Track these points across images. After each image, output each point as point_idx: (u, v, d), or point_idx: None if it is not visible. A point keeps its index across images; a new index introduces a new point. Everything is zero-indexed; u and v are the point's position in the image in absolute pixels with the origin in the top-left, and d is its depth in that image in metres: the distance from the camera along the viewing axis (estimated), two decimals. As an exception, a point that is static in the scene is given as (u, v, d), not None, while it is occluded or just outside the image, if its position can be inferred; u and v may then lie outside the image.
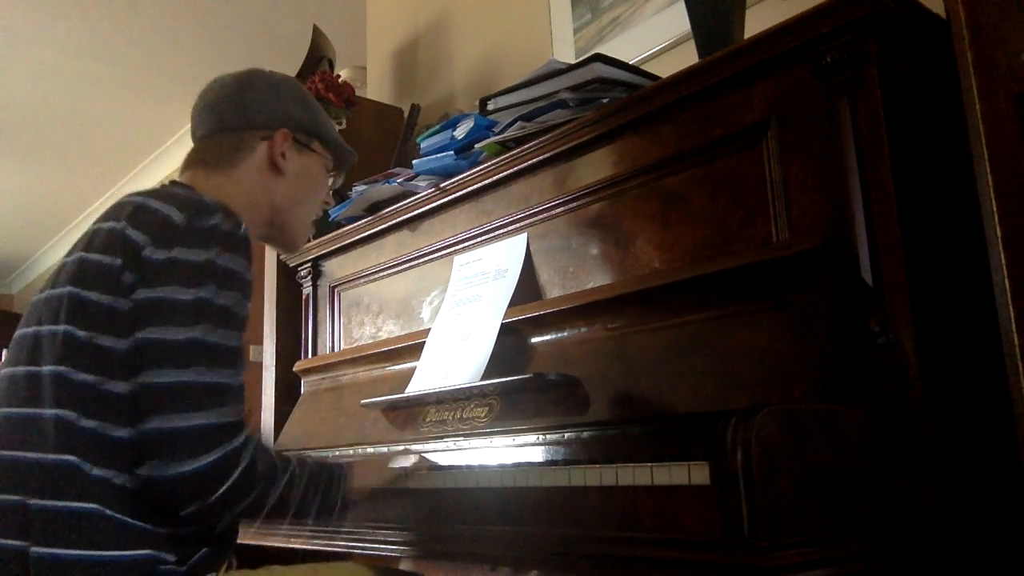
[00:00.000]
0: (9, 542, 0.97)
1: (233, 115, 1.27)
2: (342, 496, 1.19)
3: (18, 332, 1.12)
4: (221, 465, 0.99)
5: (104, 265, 1.05)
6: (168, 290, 1.02)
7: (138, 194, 1.15)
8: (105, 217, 1.14)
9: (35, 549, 0.96)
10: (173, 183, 1.22)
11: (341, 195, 2.23)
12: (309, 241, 2.24)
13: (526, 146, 1.62)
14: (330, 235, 2.15)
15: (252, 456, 1.03)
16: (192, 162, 1.27)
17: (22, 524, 0.97)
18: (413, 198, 1.89)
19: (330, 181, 1.40)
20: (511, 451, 1.42)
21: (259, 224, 1.29)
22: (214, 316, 1.03)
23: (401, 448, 1.66)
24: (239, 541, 1.42)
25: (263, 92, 1.29)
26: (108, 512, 0.98)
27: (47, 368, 1.03)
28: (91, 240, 1.11)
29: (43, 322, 1.08)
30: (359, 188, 2.07)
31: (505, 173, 1.68)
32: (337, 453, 1.84)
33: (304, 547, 1.56)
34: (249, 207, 1.23)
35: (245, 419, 1.05)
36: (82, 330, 1.03)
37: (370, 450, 1.76)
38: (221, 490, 0.99)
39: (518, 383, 1.43)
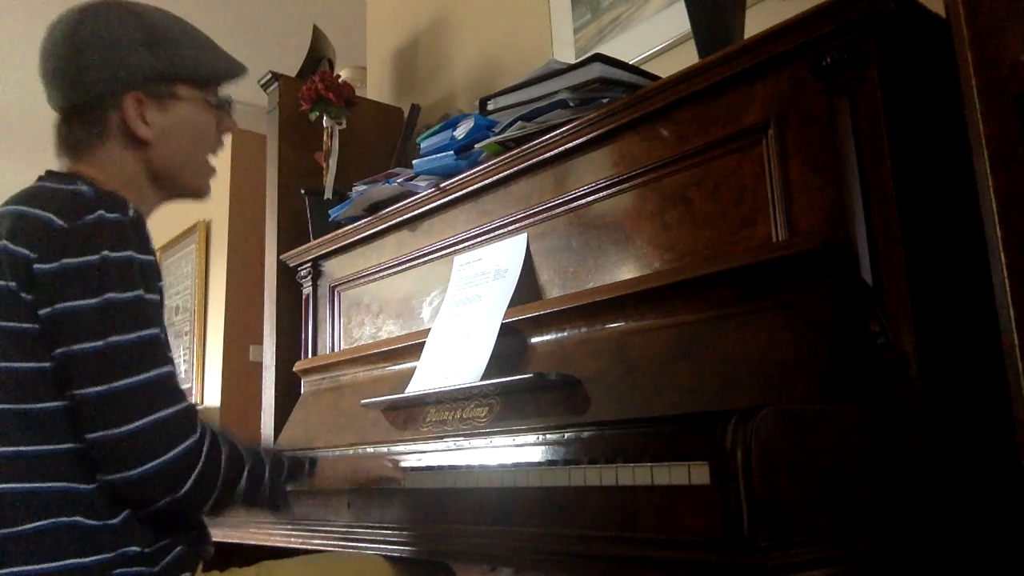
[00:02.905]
0: None
1: (73, 90, 1.11)
2: (298, 479, 1.17)
3: None
4: (180, 462, 0.97)
5: None
6: (71, 302, 0.97)
7: (12, 201, 1.07)
8: None
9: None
10: (50, 174, 1.12)
11: (341, 195, 2.23)
12: (310, 241, 2.24)
13: (526, 146, 1.62)
14: (330, 235, 2.15)
15: (213, 444, 1.02)
16: (59, 148, 1.15)
17: None
18: (413, 198, 1.89)
19: (217, 107, 1.21)
20: (511, 451, 1.42)
21: (149, 194, 1.17)
22: (125, 314, 0.99)
23: (385, 450, 1.66)
24: (238, 541, 1.42)
25: (96, 52, 1.10)
26: (63, 520, 0.96)
27: None
28: None
29: None
30: (359, 188, 2.07)
31: (505, 173, 1.68)
32: (337, 453, 1.84)
33: (303, 546, 1.56)
34: (129, 183, 1.12)
35: (192, 412, 1.02)
36: None
37: (370, 450, 1.76)
38: (188, 483, 0.98)
39: (518, 383, 1.43)
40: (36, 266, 0.98)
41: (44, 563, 0.94)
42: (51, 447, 0.98)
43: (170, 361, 1.02)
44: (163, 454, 0.96)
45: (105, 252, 0.98)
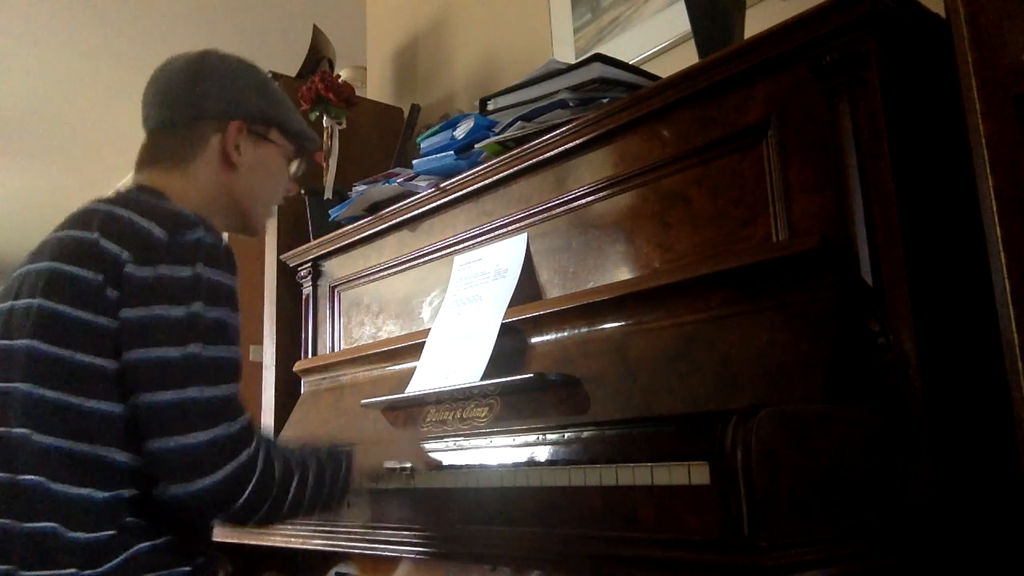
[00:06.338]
0: None
1: (184, 106, 1.21)
2: (345, 485, 1.20)
3: None
4: (238, 475, 1.00)
5: (82, 279, 1.02)
6: (158, 308, 1.00)
7: (105, 201, 1.11)
8: (72, 224, 1.10)
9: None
10: (140, 189, 1.18)
11: (341, 195, 2.23)
12: (310, 241, 2.25)
13: (526, 146, 1.62)
14: (330, 235, 2.15)
15: (266, 460, 1.04)
16: (147, 160, 1.23)
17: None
18: (413, 198, 1.89)
19: (293, 167, 1.35)
20: (511, 451, 1.42)
21: (219, 219, 1.24)
22: (208, 331, 1.02)
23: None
24: (237, 542, 1.41)
25: (216, 80, 1.23)
26: (70, 534, 0.96)
27: (15, 384, 1.01)
28: (61, 249, 1.07)
29: (12, 336, 1.04)
30: (359, 188, 2.07)
31: (505, 173, 1.68)
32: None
33: (304, 547, 1.56)
34: (207, 202, 1.20)
35: (252, 424, 1.05)
36: (51, 345, 1.01)
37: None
38: (242, 499, 1.01)
39: (518, 383, 1.43)
40: (128, 267, 1.02)
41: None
42: (92, 448, 0.99)
43: (239, 380, 1.06)
44: (221, 468, 0.99)
45: (199, 269, 1.03)
